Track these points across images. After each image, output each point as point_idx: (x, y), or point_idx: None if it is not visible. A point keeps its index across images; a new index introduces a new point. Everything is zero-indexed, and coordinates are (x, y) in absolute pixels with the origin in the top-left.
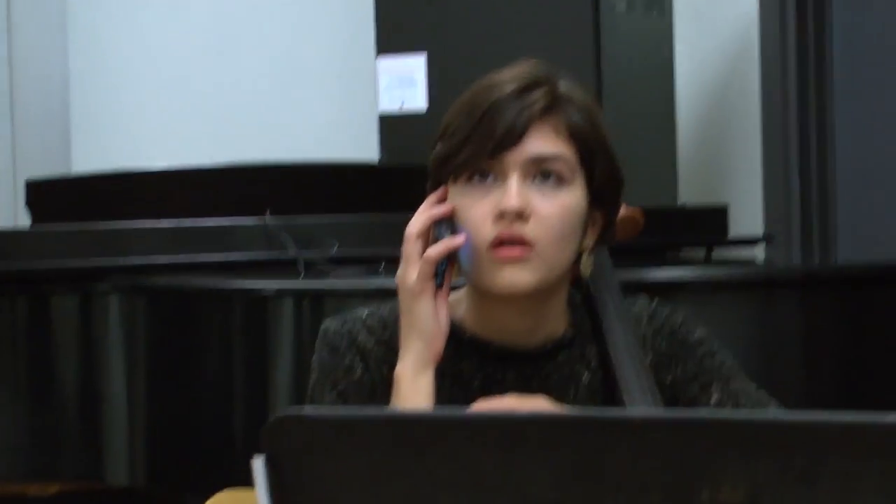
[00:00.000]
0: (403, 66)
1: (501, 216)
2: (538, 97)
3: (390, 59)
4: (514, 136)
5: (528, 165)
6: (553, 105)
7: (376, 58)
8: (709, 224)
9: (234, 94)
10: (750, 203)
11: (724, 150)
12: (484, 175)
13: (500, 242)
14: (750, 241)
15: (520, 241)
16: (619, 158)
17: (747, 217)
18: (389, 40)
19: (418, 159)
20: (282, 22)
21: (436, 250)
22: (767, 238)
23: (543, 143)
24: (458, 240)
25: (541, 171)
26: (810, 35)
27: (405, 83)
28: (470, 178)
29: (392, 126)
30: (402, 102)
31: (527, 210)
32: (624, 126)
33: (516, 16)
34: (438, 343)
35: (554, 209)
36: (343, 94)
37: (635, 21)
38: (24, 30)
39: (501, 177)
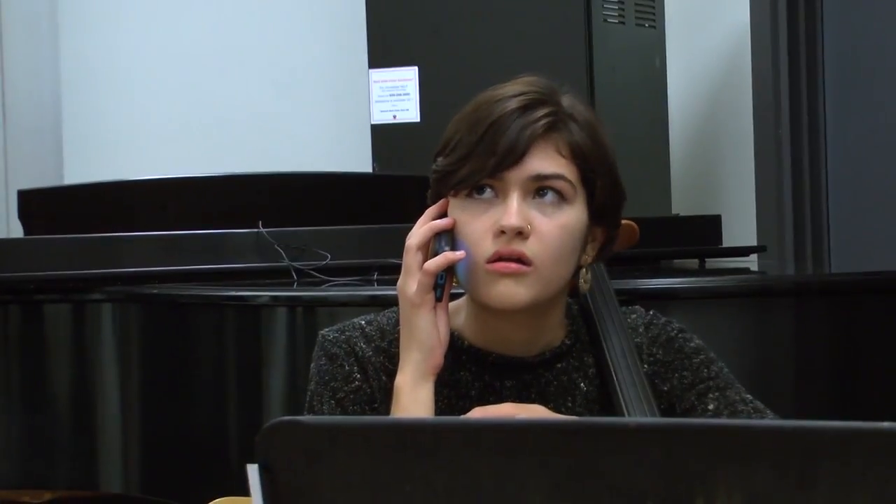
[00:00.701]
0: (396, 77)
1: (501, 233)
2: (541, 115)
3: (382, 71)
4: (516, 155)
5: (528, 184)
6: (556, 123)
7: (369, 70)
8: (702, 234)
9: (228, 106)
10: (743, 213)
11: (717, 160)
12: (485, 191)
13: (498, 258)
14: (743, 252)
15: (519, 259)
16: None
17: (740, 227)
18: (381, 53)
19: (410, 170)
20: (274, 34)
21: (435, 263)
22: (760, 248)
23: (545, 162)
24: (459, 254)
25: (541, 190)
26: (802, 47)
27: (397, 95)
28: (470, 194)
29: (384, 137)
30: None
31: (527, 228)
32: (617, 137)
33: (508, 27)
34: (438, 354)
35: (554, 228)
36: (336, 106)
37: (627, 33)
38: (15, 42)
39: (502, 194)
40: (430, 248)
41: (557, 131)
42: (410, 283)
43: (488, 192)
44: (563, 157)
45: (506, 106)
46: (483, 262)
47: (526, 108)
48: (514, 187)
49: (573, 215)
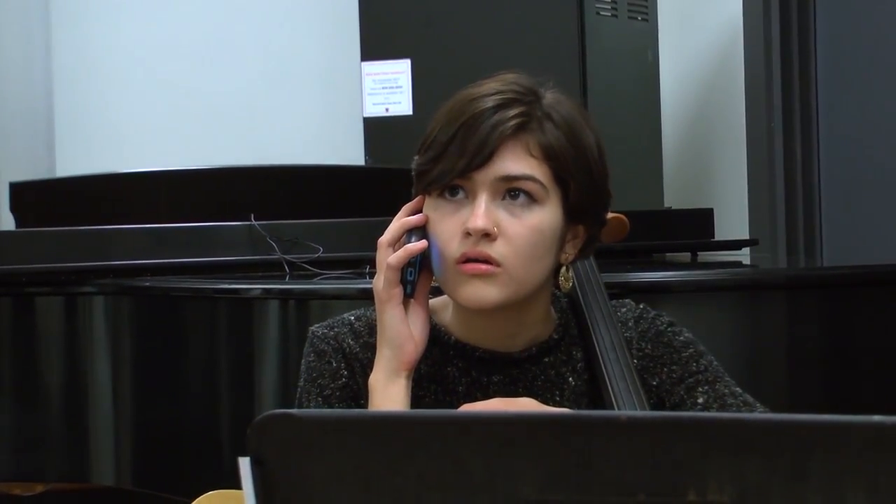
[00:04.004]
0: (388, 70)
1: (468, 235)
2: (512, 115)
3: (375, 64)
4: (484, 156)
5: (496, 185)
6: (527, 124)
7: (361, 63)
8: (694, 227)
9: (221, 98)
10: (735, 207)
11: (710, 154)
12: (457, 192)
13: (466, 260)
14: (735, 245)
15: (486, 261)
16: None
17: (732, 220)
18: (374, 46)
19: (403, 163)
20: (268, 27)
21: (397, 257)
22: (752, 241)
23: (513, 163)
24: (418, 245)
25: (510, 191)
26: (794, 40)
27: (390, 88)
28: (442, 194)
29: (377, 130)
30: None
31: (494, 230)
32: (609, 130)
33: (501, 21)
34: (408, 350)
35: (523, 229)
36: (328, 99)
37: (620, 26)
38: (7, 32)
39: (472, 194)
40: (402, 244)
41: (529, 131)
42: (379, 279)
43: (460, 193)
44: (534, 157)
45: (479, 105)
46: (452, 262)
47: (499, 107)
48: (482, 188)
49: (545, 216)
